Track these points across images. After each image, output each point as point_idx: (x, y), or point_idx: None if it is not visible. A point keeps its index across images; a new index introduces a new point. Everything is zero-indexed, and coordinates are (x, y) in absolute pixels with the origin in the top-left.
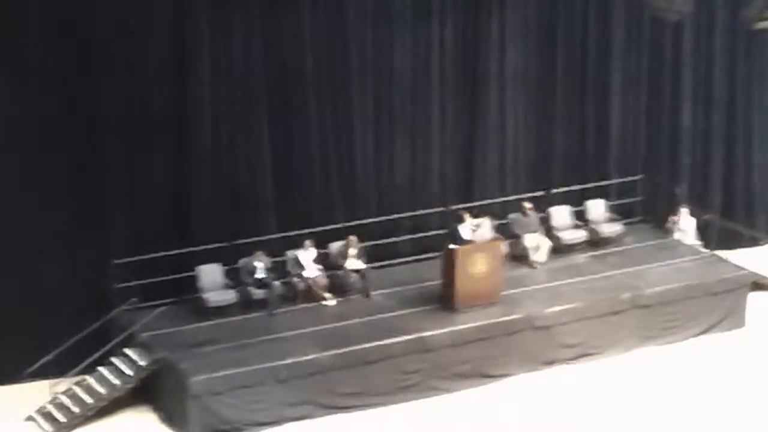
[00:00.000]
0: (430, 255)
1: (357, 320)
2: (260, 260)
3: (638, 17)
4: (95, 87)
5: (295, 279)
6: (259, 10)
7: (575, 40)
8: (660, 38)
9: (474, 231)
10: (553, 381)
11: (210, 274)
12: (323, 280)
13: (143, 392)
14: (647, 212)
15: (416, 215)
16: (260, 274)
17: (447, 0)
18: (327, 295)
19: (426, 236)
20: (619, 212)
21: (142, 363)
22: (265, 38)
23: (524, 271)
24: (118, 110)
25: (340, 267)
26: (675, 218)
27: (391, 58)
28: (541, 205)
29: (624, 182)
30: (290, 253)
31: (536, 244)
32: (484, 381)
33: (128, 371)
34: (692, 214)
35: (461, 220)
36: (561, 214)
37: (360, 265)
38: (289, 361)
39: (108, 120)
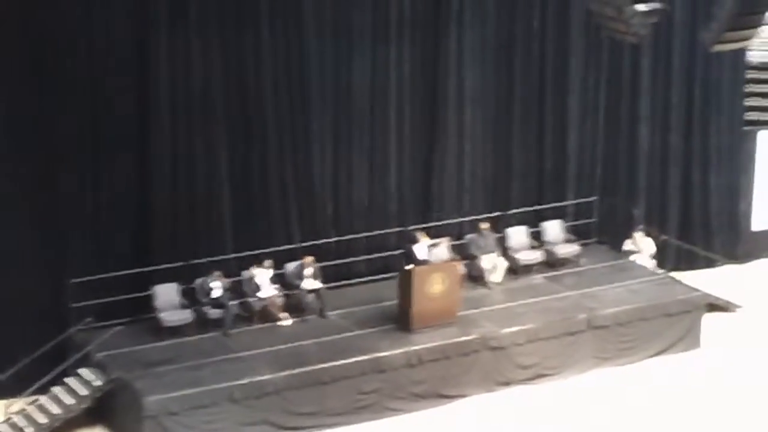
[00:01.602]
0: (387, 275)
1: (313, 340)
2: (216, 280)
3: (596, 38)
4: (56, 107)
5: (251, 299)
6: (218, 28)
7: (533, 61)
8: (618, 60)
9: (430, 251)
10: (510, 402)
11: (166, 293)
12: (279, 300)
13: (98, 412)
14: (604, 233)
15: (373, 235)
16: (216, 294)
17: (406, 20)
18: (283, 314)
19: (383, 256)
20: (576, 233)
21: (97, 383)
22: (224, 57)
23: (481, 291)
24: (77, 129)
25: (297, 287)
26: (634, 239)
27: (350, 77)
28: (498, 226)
29: (580, 203)
30: (246, 273)
31: (493, 264)
32: (440, 401)
33: (83, 391)
34: (649, 235)
35: (416, 241)
36: (517, 235)
37: (316, 284)
38: (244, 381)
39: (67, 140)
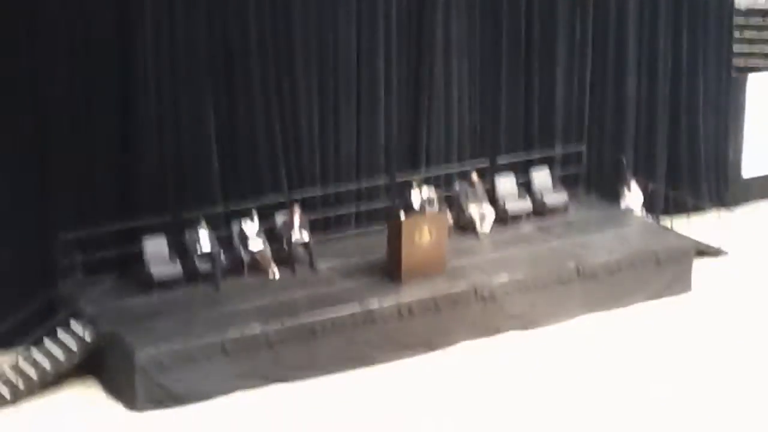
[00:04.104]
0: (376, 226)
1: (303, 292)
2: (206, 232)
3: None
4: (39, 65)
5: (241, 251)
6: None
7: (520, 9)
8: (605, 7)
9: (427, 202)
10: (500, 349)
11: (155, 247)
12: (268, 252)
13: (89, 366)
14: (592, 182)
15: (361, 187)
16: (205, 247)
17: None
18: (272, 267)
19: (371, 207)
20: (564, 182)
21: (88, 337)
22: (209, 11)
23: (469, 241)
24: (61, 87)
25: (286, 239)
26: (626, 187)
27: (336, 29)
28: (486, 175)
29: (569, 152)
30: (235, 226)
31: (481, 214)
32: (430, 351)
33: (74, 345)
34: (637, 183)
35: (412, 189)
36: (506, 184)
37: (305, 236)
38: (235, 334)
39: (51, 96)
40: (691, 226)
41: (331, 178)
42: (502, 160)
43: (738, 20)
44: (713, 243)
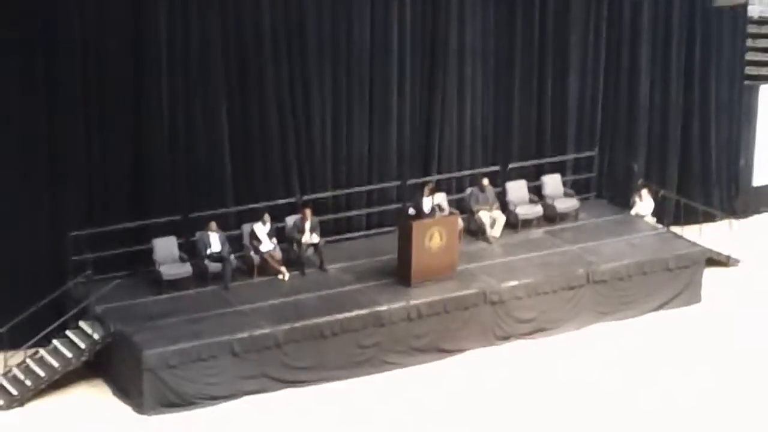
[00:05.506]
0: (386, 229)
1: (312, 294)
2: (216, 233)
3: None
4: (52, 63)
5: (251, 252)
6: None
7: (534, 15)
8: (618, 13)
9: (438, 207)
10: (509, 356)
11: (165, 247)
12: (279, 254)
13: (97, 365)
14: (603, 188)
15: (372, 189)
16: (216, 248)
17: None
18: (282, 268)
19: (382, 210)
20: (576, 188)
21: (96, 336)
22: (222, 12)
23: (480, 245)
24: (75, 85)
25: (296, 240)
26: (638, 194)
27: (350, 31)
28: (498, 180)
29: (580, 158)
30: (246, 227)
31: (492, 218)
32: (439, 355)
33: (82, 344)
34: (649, 190)
35: (425, 194)
36: (517, 189)
37: (316, 238)
38: (243, 334)
39: (65, 94)
40: (702, 234)
41: (342, 181)
42: (513, 164)
43: (751, 29)
44: (724, 252)
